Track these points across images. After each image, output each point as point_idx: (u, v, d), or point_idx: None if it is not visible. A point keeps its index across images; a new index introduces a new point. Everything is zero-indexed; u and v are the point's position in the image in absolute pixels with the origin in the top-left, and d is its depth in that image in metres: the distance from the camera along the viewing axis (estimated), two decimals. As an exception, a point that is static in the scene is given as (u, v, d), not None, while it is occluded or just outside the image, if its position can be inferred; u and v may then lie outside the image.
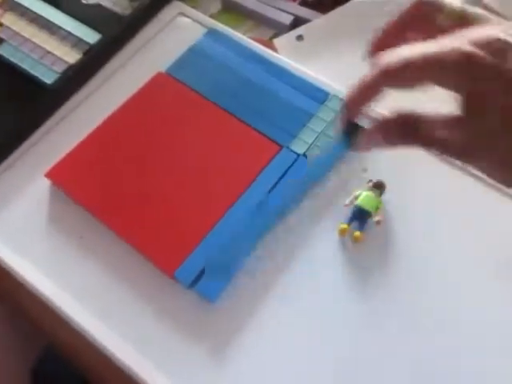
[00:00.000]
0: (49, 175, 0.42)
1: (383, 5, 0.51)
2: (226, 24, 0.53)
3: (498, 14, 0.29)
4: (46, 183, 0.43)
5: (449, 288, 0.39)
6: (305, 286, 0.39)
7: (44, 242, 0.40)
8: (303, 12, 0.57)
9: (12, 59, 0.47)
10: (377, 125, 0.27)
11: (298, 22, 0.57)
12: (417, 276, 0.39)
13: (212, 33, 0.51)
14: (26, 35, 0.49)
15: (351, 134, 0.29)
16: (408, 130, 0.26)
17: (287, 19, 0.56)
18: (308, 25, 0.54)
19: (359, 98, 0.26)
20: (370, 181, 0.42)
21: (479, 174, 0.43)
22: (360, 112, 0.27)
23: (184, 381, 0.35)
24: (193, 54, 0.49)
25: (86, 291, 0.38)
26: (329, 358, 0.36)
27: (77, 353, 0.38)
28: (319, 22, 0.53)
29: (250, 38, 0.53)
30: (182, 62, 0.49)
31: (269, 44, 0.55)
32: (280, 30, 0.57)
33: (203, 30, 0.52)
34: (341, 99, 0.46)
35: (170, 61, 0.49)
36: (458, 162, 0.44)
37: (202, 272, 0.38)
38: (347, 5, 0.54)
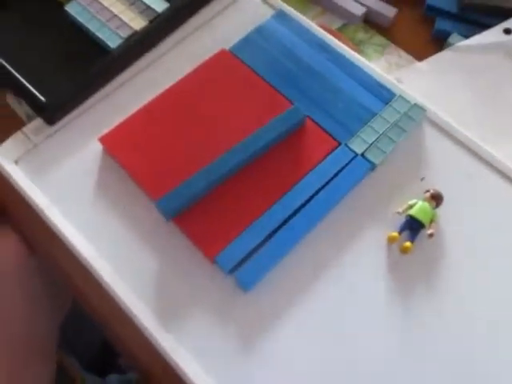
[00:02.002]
0: (102, 140, 0.42)
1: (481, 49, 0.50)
2: (295, 8, 0.51)
3: None
4: (99, 148, 0.42)
5: (496, 313, 0.37)
6: (343, 290, 0.38)
7: (89, 206, 0.40)
8: (377, 5, 0.54)
9: (79, 18, 0.47)
10: None
11: (369, 14, 0.55)
12: (463, 296, 0.38)
13: (280, 15, 0.49)
14: (95, -4, 0.48)
15: None
16: None
17: (359, 10, 0.54)
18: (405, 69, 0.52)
19: None
20: (428, 191, 0.40)
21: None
22: None
23: (210, 362, 0.35)
24: (259, 35, 0.48)
25: (123, 260, 0.38)
26: (362, 363, 0.35)
27: (107, 320, 0.38)
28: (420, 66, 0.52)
29: (318, 25, 0.51)
30: (247, 42, 0.47)
31: (337, 34, 0.53)
32: (350, 20, 0.55)
33: (271, 12, 0.50)
34: (407, 101, 0.44)
35: (234, 39, 0.47)
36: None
37: (243, 260, 0.38)
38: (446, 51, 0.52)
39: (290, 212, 0.39)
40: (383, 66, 0.51)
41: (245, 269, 0.37)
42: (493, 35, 0.53)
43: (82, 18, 0.47)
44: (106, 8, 0.48)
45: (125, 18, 0.47)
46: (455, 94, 0.50)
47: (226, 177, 0.40)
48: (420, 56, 0.52)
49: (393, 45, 0.53)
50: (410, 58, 0.52)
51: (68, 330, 0.57)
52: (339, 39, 0.50)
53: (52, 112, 0.43)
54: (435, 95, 0.48)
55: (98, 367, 0.69)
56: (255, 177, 0.41)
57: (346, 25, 0.55)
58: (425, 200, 0.40)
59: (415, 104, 0.44)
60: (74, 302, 0.53)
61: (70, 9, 0.47)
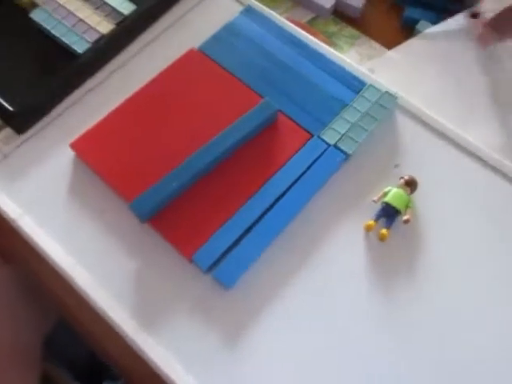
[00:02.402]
0: (73, 146, 0.42)
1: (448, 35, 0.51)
2: (265, 3, 0.51)
3: None
4: (71, 154, 0.42)
5: (475, 292, 0.37)
6: (324, 280, 0.38)
7: (63, 213, 0.40)
8: (345, -4, 0.54)
9: (44, 25, 0.46)
10: None
11: (338, 5, 0.55)
12: (441, 278, 0.38)
13: (249, 11, 0.49)
14: (61, 1, 0.48)
15: None
16: None
17: (328, 3, 0.54)
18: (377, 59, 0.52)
19: None
20: (402, 177, 0.40)
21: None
22: None
23: (195, 363, 0.35)
24: (228, 32, 0.48)
25: (100, 266, 0.38)
26: (344, 352, 0.35)
27: (87, 328, 0.38)
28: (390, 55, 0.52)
29: (288, 19, 0.51)
30: (216, 40, 0.47)
31: (307, 27, 0.53)
32: (320, 13, 0.55)
33: (240, 8, 0.50)
34: (377, 89, 0.44)
35: (204, 37, 0.47)
36: (497, 164, 0.42)
37: (221, 257, 0.37)
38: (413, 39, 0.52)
39: (265, 207, 0.39)
40: (354, 57, 0.51)
41: (223, 266, 0.37)
42: (460, 20, 0.53)
43: (47, 25, 0.46)
44: (72, 13, 0.47)
45: (91, 23, 0.47)
46: (426, 81, 0.50)
47: (199, 175, 0.40)
48: (391, 45, 0.52)
49: (363, 36, 0.53)
50: (381, 47, 0.52)
51: (57, 341, 0.56)
52: (309, 32, 0.50)
53: (21, 121, 0.43)
54: (407, 83, 0.49)
55: (89, 376, 0.68)
56: (229, 173, 0.40)
57: (315, 18, 0.55)
58: (399, 187, 0.40)
59: (386, 92, 0.44)
60: (60, 317, 0.52)
61: (35, 16, 0.47)
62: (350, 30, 0.54)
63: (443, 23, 0.52)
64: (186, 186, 0.39)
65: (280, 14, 0.52)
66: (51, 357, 0.55)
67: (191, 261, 0.37)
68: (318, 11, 0.55)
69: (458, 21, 0.52)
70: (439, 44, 0.52)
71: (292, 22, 0.51)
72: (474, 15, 0.52)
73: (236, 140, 0.41)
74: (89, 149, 0.42)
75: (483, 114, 0.48)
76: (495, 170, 0.42)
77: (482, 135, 0.43)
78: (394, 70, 0.50)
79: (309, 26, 0.54)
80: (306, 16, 0.55)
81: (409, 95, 0.46)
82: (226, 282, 0.37)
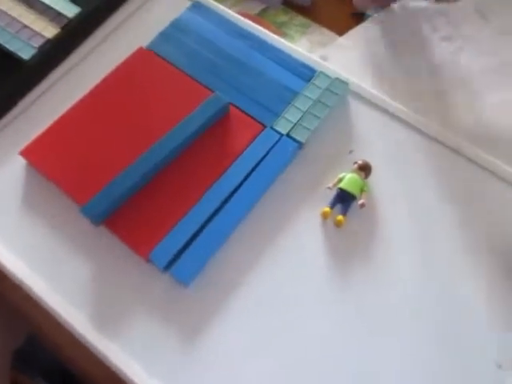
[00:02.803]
0: (24, 153, 0.41)
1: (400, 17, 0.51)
2: (213, -3, 0.51)
3: None
4: (22, 162, 0.41)
5: (433, 273, 0.38)
6: (283, 272, 0.38)
7: (16, 221, 0.39)
8: (293, -15, 0.54)
9: (-12, 33, 0.46)
10: None
11: (288, -5, 0.55)
12: (398, 261, 0.38)
13: (196, 6, 0.49)
14: (3, 8, 0.47)
15: None
16: None
17: (277, -7, 0.54)
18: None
19: None
20: (356, 162, 0.41)
21: (470, 155, 0.42)
22: None
23: (153, 362, 0.35)
24: (175, 29, 0.47)
25: (58, 273, 0.37)
26: (303, 342, 0.35)
27: (48, 333, 0.37)
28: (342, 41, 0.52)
29: (237, 12, 0.51)
30: (164, 37, 0.47)
31: (256, 19, 0.53)
32: (270, 4, 0.55)
33: (187, 3, 0.49)
34: (328, 76, 0.44)
35: (152, 35, 0.47)
36: (450, 143, 0.42)
37: (178, 255, 0.37)
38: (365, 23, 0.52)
39: (221, 201, 0.39)
40: (306, 45, 0.51)
41: (181, 263, 0.37)
42: (406, 4, 0.53)
43: (-10, 33, 0.46)
44: (15, 19, 0.46)
45: (36, 28, 0.46)
46: (379, 65, 0.50)
47: (152, 173, 0.39)
48: (342, 32, 0.53)
49: (314, 24, 0.53)
50: (333, 34, 0.53)
51: (31, 350, 0.55)
52: (260, 24, 0.50)
53: (-32, 132, 0.42)
54: (359, 68, 0.49)
55: (66, 382, 0.68)
56: (183, 169, 0.40)
57: (265, 9, 0.55)
58: (353, 171, 0.40)
59: (336, 78, 0.44)
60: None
61: (-23, 24, 0.46)
62: (300, 19, 0.54)
63: (390, 7, 0.52)
64: (138, 185, 0.39)
65: (230, 7, 0.52)
66: (25, 368, 0.54)
67: (148, 260, 0.37)
68: (268, 2, 0.55)
69: (404, 4, 0.53)
70: (388, 28, 0.52)
71: (242, 14, 0.50)
72: None
73: (188, 135, 0.40)
74: (39, 155, 0.41)
75: (433, 96, 0.48)
76: (450, 148, 0.42)
77: (437, 118, 0.44)
78: (346, 57, 0.50)
79: (259, 18, 0.54)
80: (256, 7, 0.55)
81: (362, 80, 0.46)
82: (183, 280, 0.37)
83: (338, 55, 0.50)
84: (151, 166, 0.39)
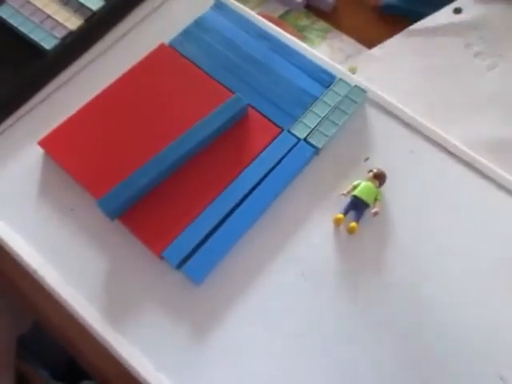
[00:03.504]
0: (42, 143, 0.41)
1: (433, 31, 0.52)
2: (236, -3, 0.51)
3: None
4: (39, 152, 0.42)
5: (445, 282, 0.38)
6: (294, 275, 0.38)
7: (32, 211, 0.40)
8: (316, -10, 0.55)
9: (11, 21, 0.46)
10: None
11: (311, 0, 0.55)
12: (410, 270, 0.38)
13: (219, 6, 0.49)
14: (28, -2, 0.47)
15: None
16: None
17: (299, -4, 0.54)
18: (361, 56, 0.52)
19: None
20: (371, 171, 0.41)
21: (485, 169, 0.42)
22: None
23: (166, 360, 0.35)
24: (198, 27, 0.48)
25: (71, 265, 0.38)
26: (314, 345, 0.36)
27: (58, 325, 0.37)
28: (373, 53, 0.52)
29: (259, 13, 0.51)
30: (186, 35, 0.47)
31: (278, 22, 0.53)
32: (292, 7, 0.55)
33: (211, 2, 0.50)
34: (347, 83, 0.45)
35: (174, 33, 0.47)
36: (465, 157, 0.42)
37: (191, 254, 0.37)
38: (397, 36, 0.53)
39: (235, 202, 0.39)
40: (326, 50, 0.52)
41: (193, 262, 0.37)
42: (443, 16, 0.53)
43: (14, 21, 0.46)
44: (40, 9, 0.47)
45: (59, 19, 0.46)
46: (408, 78, 0.50)
47: (169, 171, 0.40)
48: (362, 38, 0.53)
49: (335, 29, 0.54)
50: (353, 41, 0.53)
51: (34, 340, 0.56)
52: (281, 27, 0.50)
53: (-12, 119, 0.42)
54: (389, 81, 0.49)
55: (67, 375, 0.68)
56: (200, 169, 0.41)
57: (288, 12, 0.55)
58: (368, 180, 0.40)
59: (356, 86, 0.44)
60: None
61: (1, 12, 0.46)
62: (321, 24, 0.54)
63: (428, 18, 0.52)
64: (155, 182, 0.39)
65: (252, 9, 0.52)
66: (28, 356, 0.55)
67: (161, 257, 0.37)
68: (290, 5, 0.55)
69: (443, 16, 0.53)
70: (423, 41, 0.52)
71: (263, 16, 0.51)
72: (458, 10, 0.53)
73: (206, 135, 0.40)
74: (58, 146, 0.41)
75: (463, 111, 0.48)
76: (466, 164, 0.42)
77: (460, 133, 0.44)
78: (377, 68, 0.50)
79: (280, 20, 0.54)
80: (279, 10, 0.55)
81: (389, 92, 0.46)
82: (195, 278, 0.37)
83: (367, 67, 0.50)
84: (168, 163, 0.39)
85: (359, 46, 0.52)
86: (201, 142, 0.40)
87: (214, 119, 0.41)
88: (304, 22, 0.54)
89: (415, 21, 0.53)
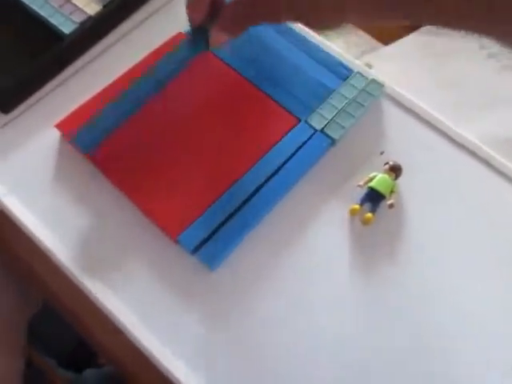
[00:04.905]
0: (59, 126, 0.41)
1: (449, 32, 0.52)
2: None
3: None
4: (56, 134, 0.42)
5: (459, 276, 0.38)
6: (308, 263, 0.38)
7: (48, 192, 0.40)
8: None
9: (31, 5, 0.46)
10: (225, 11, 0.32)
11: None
12: (424, 262, 0.38)
13: (238, -3, 0.49)
14: (48, -18, 0.47)
15: (202, 35, 0.35)
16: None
17: (316, -10, 0.54)
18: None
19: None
20: (387, 163, 0.41)
21: (500, 166, 0.42)
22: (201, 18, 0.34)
23: (175, 343, 0.35)
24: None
25: (86, 248, 0.38)
26: (327, 335, 0.36)
27: (72, 309, 0.37)
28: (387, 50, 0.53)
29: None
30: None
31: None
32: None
33: (229, -6, 0.50)
34: (364, 77, 0.45)
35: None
36: (480, 153, 0.43)
37: (206, 239, 0.37)
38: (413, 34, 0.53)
39: (252, 189, 0.39)
40: (341, 45, 0.52)
41: (209, 248, 0.37)
42: None
43: (34, 5, 0.46)
44: (59, -6, 0.47)
45: (78, 4, 0.46)
46: (423, 76, 0.51)
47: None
48: (377, 34, 0.53)
49: (351, 25, 0.54)
50: (368, 36, 0.53)
51: (41, 328, 0.56)
52: (297, 20, 0.50)
53: (6, 100, 0.42)
54: (404, 77, 0.49)
55: (74, 364, 0.68)
56: (217, 156, 0.41)
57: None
58: (384, 172, 0.41)
59: (373, 79, 0.45)
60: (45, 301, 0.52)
61: (22, -4, 0.46)
62: (338, 19, 0.54)
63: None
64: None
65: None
66: (36, 342, 0.55)
67: (177, 242, 0.37)
68: None
69: None
70: (437, 40, 0.52)
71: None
72: None
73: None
74: (73, 129, 0.41)
75: (476, 110, 0.49)
76: (482, 160, 0.43)
77: (472, 131, 0.44)
78: (390, 65, 0.51)
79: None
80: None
81: (403, 89, 0.46)
82: (210, 264, 0.37)
83: (382, 64, 0.51)
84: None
85: (374, 42, 0.53)
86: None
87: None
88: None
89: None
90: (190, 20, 0.35)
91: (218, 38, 0.34)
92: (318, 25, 0.31)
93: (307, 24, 0.31)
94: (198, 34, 0.36)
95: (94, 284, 0.36)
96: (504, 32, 0.27)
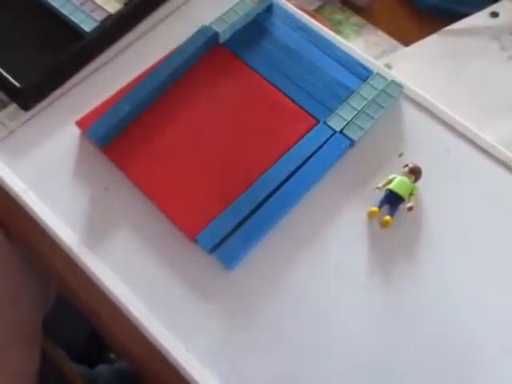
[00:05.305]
0: (79, 123, 0.42)
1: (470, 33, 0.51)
2: (273, -11, 0.51)
3: None
4: (76, 132, 0.42)
5: (477, 280, 0.38)
6: (325, 264, 0.38)
7: (67, 189, 0.40)
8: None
9: (53, 3, 0.46)
10: None
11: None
12: (443, 266, 0.38)
13: (258, -4, 0.49)
14: (69, -21, 0.47)
15: None
16: None
17: (336, -10, 0.54)
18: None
19: None
20: (406, 165, 0.41)
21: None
22: None
23: (191, 341, 0.35)
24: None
25: (104, 243, 0.38)
26: (344, 337, 0.36)
27: (88, 302, 0.38)
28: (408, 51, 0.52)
29: (295, 5, 0.51)
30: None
31: (313, 14, 0.53)
32: (328, 1, 0.55)
33: (249, -8, 0.50)
34: (384, 78, 0.44)
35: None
36: (500, 156, 0.42)
37: (224, 239, 0.37)
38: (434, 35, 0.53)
39: (270, 190, 0.39)
40: (361, 45, 0.51)
41: (227, 247, 0.37)
42: (479, 19, 0.53)
43: (55, 3, 0.46)
44: (80, -9, 0.47)
45: (99, 2, 0.47)
46: (443, 78, 0.50)
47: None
48: (397, 34, 0.52)
49: (370, 24, 0.53)
50: (388, 36, 0.52)
51: (55, 322, 0.56)
52: (316, 20, 0.50)
53: (27, 97, 0.43)
54: (423, 79, 0.49)
55: (87, 359, 0.69)
56: (236, 156, 0.41)
57: (323, 6, 0.55)
58: (403, 174, 0.40)
59: (392, 81, 0.44)
60: (60, 292, 0.53)
61: (43, -7, 0.46)
62: (356, 19, 0.54)
63: (464, 20, 0.52)
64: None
65: (287, 0, 0.52)
66: (49, 335, 0.55)
67: (195, 241, 0.37)
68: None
69: (479, 18, 0.53)
70: (458, 42, 0.52)
71: (299, 8, 0.50)
72: (495, 14, 0.53)
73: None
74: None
75: (496, 112, 0.48)
76: (503, 163, 0.42)
77: (493, 133, 0.44)
78: (411, 66, 0.50)
79: (316, 14, 0.54)
80: (314, 3, 0.55)
81: (423, 91, 0.46)
82: (228, 264, 0.37)
83: (402, 64, 0.50)
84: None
85: (394, 42, 0.52)
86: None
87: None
88: (339, 16, 0.54)
89: (450, 19, 0.53)
90: None
91: None
92: None
93: None
94: None
95: (113, 283, 0.37)
96: None
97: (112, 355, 0.73)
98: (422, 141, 0.43)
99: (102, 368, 0.67)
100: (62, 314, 0.58)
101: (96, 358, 0.70)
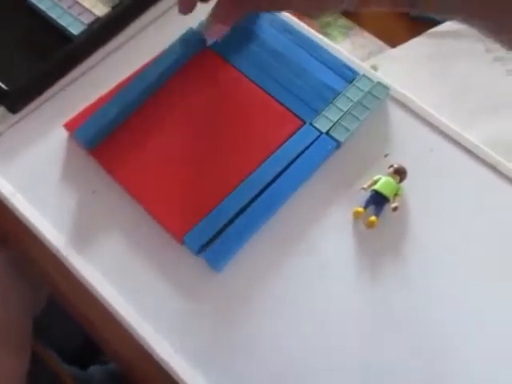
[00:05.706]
0: (67, 126, 0.42)
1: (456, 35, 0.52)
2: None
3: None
4: (64, 134, 0.42)
5: (462, 280, 0.38)
6: (312, 265, 0.38)
7: (56, 192, 0.40)
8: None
9: (40, 6, 0.46)
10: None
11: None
12: (428, 266, 0.39)
13: None
14: (57, -17, 0.47)
15: None
16: None
17: (323, -8, 0.54)
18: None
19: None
20: (391, 166, 0.41)
21: (505, 170, 0.42)
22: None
23: (180, 343, 0.35)
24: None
25: (92, 246, 0.38)
26: (332, 337, 0.36)
27: (77, 305, 0.38)
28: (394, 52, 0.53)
29: (283, 8, 0.51)
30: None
31: (301, 16, 0.54)
32: (315, 3, 0.55)
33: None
34: (370, 79, 0.45)
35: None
36: (486, 157, 0.43)
37: (211, 240, 0.38)
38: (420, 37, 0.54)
39: (256, 191, 0.40)
40: (348, 47, 0.52)
41: (213, 249, 0.38)
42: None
43: (42, 6, 0.46)
44: (68, -5, 0.47)
45: (87, 5, 0.47)
46: (428, 79, 0.51)
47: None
48: (384, 36, 0.53)
49: (357, 27, 0.54)
50: (375, 38, 0.53)
51: (46, 323, 0.56)
52: (303, 21, 0.50)
53: (15, 100, 0.43)
54: (409, 80, 0.49)
55: (79, 360, 0.69)
56: (221, 158, 0.41)
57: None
58: (389, 175, 0.41)
59: (378, 82, 0.45)
60: (52, 296, 0.53)
61: (31, -4, 0.47)
62: (343, 21, 0.54)
63: (449, 23, 0.53)
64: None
65: (276, 3, 0.52)
66: (40, 337, 0.55)
67: (182, 242, 0.38)
68: (314, 1, 0.55)
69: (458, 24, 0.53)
70: (445, 43, 0.52)
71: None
72: None
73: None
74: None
75: (482, 114, 0.49)
76: (488, 165, 0.43)
77: (478, 135, 0.44)
78: (396, 68, 0.51)
79: (303, 16, 0.54)
80: (302, 5, 0.55)
81: (409, 92, 0.46)
82: (215, 266, 0.37)
83: (389, 66, 0.51)
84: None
85: (381, 44, 0.53)
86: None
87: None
88: (327, 18, 0.54)
89: (436, 21, 0.54)
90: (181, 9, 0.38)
91: (213, 29, 0.38)
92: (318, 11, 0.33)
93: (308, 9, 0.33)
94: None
95: (101, 286, 0.37)
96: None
97: (105, 357, 0.73)
98: (408, 142, 0.44)
99: (94, 369, 0.67)
100: (56, 316, 0.58)
101: (89, 359, 0.70)
